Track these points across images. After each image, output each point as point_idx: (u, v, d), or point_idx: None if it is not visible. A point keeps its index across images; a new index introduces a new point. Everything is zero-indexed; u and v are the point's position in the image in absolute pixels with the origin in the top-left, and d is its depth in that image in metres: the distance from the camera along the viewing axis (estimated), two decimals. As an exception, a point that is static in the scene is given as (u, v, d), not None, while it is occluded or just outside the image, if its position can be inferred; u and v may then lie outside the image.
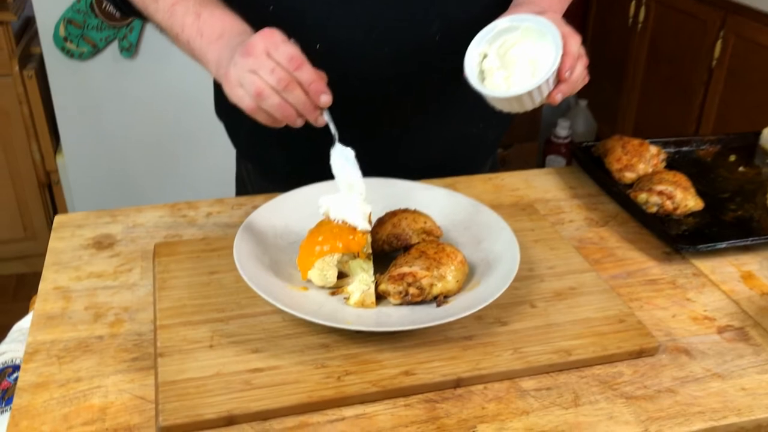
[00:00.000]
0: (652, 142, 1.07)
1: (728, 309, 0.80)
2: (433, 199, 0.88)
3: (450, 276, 0.73)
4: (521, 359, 0.70)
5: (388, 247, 0.78)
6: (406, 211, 0.80)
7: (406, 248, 0.77)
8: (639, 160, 1.02)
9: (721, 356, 0.73)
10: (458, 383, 0.68)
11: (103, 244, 0.87)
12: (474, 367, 0.68)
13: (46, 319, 0.75)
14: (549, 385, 0.69)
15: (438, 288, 0.73)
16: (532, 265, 0.83)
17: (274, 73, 0.72)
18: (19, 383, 0.67)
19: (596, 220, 0.96)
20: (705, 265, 0.87)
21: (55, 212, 2.36)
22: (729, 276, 0.86)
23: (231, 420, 0.63)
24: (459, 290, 0.75)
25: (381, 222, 0.80)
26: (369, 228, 0.74)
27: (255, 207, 0.94)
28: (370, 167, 1.01)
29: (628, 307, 0.78)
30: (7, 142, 2.20)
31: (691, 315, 0.79)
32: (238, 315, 0.73)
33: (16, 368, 0.87)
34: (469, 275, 0.78)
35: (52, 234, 0.89)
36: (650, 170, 1.02)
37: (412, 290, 0.73)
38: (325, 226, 0.75)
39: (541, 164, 2.84)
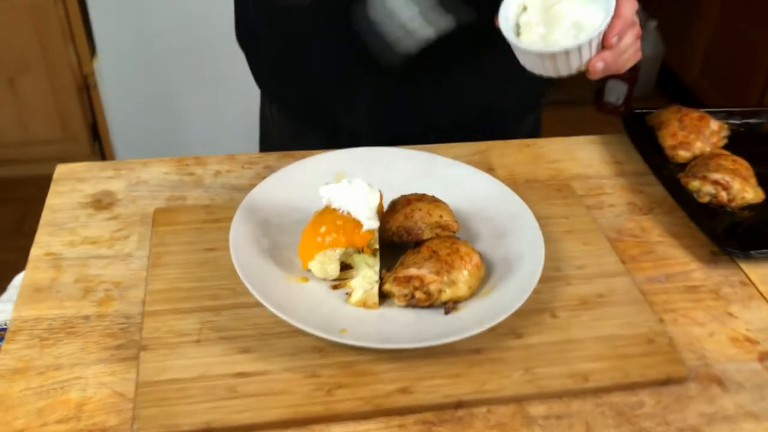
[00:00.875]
0: (714, 113, 0.96)
1: (775, 330, 0.72)
2: (456, 178, 0.80)
3: (462, 282, 0.66)
4: (532, 382, 0.63)
5: (398, 239, 0.71)
6: (422, 199, 0.72)
7: (417, 244, 0.70)
8: (697, 137, 0.91)
9: (759, 390, 0.66)
10: (459, 405, 0.62)
11: (102, 203, 0.82)
12: (479, 389, 0.62)
13: (33, 291, 0.71)
14: (560, 413, 0.62)
15: (447, 294, 0.66)
16: (560, 263, 0.75)
17: None
18: (-4, 368, 0.63)
19: (640, 206, 0.87)
20: (756, 271, 0.78)
21: (94, 116, 2.33)
22: (781, 287, 0.77)
23: (210, 428, 0.59)
24: (472, 296, 0.68)
25: (393, 209, 0.72)
26: (376, 225, 0.67)
27: (267, 167, 0.88)
28: (398, 123, 0.92)
29: (660, 322, 0.70)
30: (45, 41, 2.15)
31: (732, 335, 0.71)
32: (231, 304, 0.68)
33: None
34: (486, 275, 0.71)
35: (52, 186, 0.85)
36: (708, 149, 0.91)
37: (418, 294, 0.66)
38: (329, 214, 0.68)
39: (600, 90, 2.67)
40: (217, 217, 0.78)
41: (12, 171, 2.39)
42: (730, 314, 0.73)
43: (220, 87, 2.20)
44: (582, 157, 0.94)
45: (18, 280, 0.85)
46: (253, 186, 0.83)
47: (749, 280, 0.77)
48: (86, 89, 2.26)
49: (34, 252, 0.76)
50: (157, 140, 2.30)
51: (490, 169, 0.91)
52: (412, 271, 0.66)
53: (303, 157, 0.90)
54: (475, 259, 0.68)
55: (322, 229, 0.67)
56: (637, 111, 0.99)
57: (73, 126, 2.33)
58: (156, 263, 0.73)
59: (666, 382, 0.65)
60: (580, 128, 1.09)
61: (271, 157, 0.90)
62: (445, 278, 0.66)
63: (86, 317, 0.69)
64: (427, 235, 0.70)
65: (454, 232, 0.71)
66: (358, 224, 0.67)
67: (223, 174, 0.87)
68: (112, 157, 2.35)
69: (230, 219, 0.74)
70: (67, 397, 0.61)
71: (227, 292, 0.69)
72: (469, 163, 0.91)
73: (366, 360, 0.64)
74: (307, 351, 0.64)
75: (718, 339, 0.71)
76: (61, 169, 0.87)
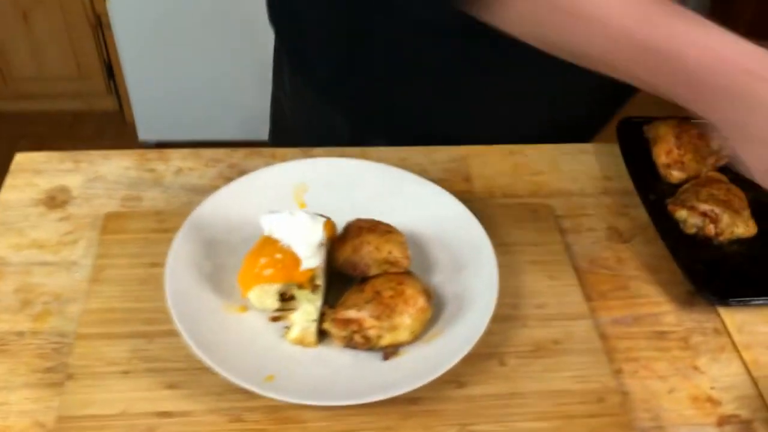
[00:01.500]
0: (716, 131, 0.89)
1: (742, 389, 0.67)
2: (422, 199, 0.76)
3: (403, 327, 0.63)
4: (465, 442, 0.60)
5: (345, 272, 0.67)
6: (374, 230, 0.68)
7: (364, 279, 0.66)
8: (693, 157, 0.84)
9: (710, 461, 0.62)
10: (386, 461, 0.60)
11: (56, 200, 0.80)
12: (407, 446, 0.60)
13: (-28, 300, 0.69)
14: (492, 475, 0.60)
15: (387, 340, 0.63)
16: (519, 301, 0.71)
17: None
18: None
19: (621, 232, 0.81)
20: (734, 318, 0.73)
21: (108, 56, 2.30)
22: (759, 339, 0.72)
23: (124, 476, 0.57)
24: (415, 340, 0.64)
25: (344, 238, 0.68)
26: (315, 264, 0.63)
27: (231, 165, 0.84)
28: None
29: (617, 375, 0.66)
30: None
31: (693, 393, 0.67)
32: (165, 332, 0.65)
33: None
34: (436, 312, 0.67)
35: (8, 177, 0.82)
36: (705, 170, 0.85)
37: (357, 338, 0.63)
38: (269, 245, 0.64)
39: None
40: (167, 226, 0.75)
41: (28, 106, 2.39)
42: (696, 368, 0.69)
43: (235, 32, 2.14)
44: (568, 169, 0.88)
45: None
46: (213, 188, 0.80)
47: (725, 327, 0.72)
48: (100, 28, 2.22)
49: (-22, 255, 0.74)
50: (171, 84, 2.26)
51: (466, 180, 0.85)
52: (352, 313, 0.63)
53: (272, 156, 0.86)
54: (420, 302, 0.64)
55: (262, 261, 0.64)
56: (635, 120, 0.92)
57: (88, 64, 2.30)
58: (97, 278, 0.70)
59: (610, 447, 0.62)
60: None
61: (238, 155, 0.86)
62: (386, 323, 0.62)
63: (20, 333, 0.67)
64: (374, 271, 0.66)
65: (403, 268, 0.67)
66: (298, 260, 0.63)
67: (185, 172, 0.84)
68: (126, 97, 2.32)
69: (180, 228, 0.71)
70: (-13, 426, 0.60)
71: (163, 317, 0.66)
72: (445, 170, 0.86)
73: (294, 406, 0.61)
74: (234, 391, 0.62)
75: (677, 397, 0.66)
76: (19, 159, 0.84)
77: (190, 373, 0.63)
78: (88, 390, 0.62)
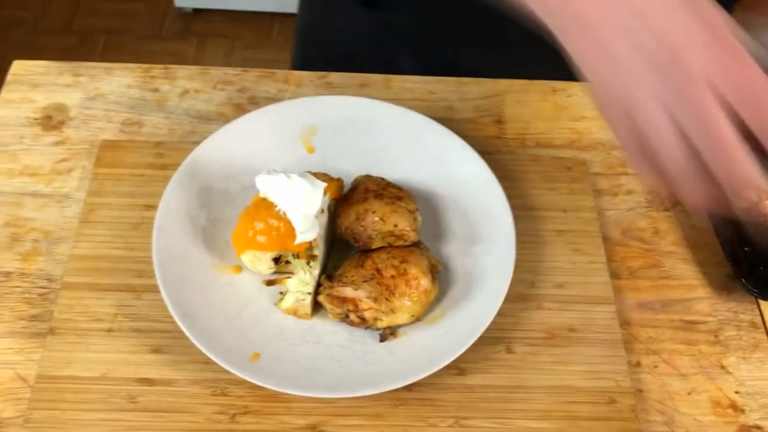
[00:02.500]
0: None
1: (770, 396, 0.62)
2: (443, 153, 0.68)
3: (403, 311, 0.58)
4: (458, 438, 0.57)
5: (347, 240, 0.62)
6: (381, 195, 0.61)
7: (366, 250, 0.61)
8: None
9: (721, 477, 0.58)
10: (373, 450, 0.57)
11: (52, 120, 0.74)
12: (396, 438, 0.56)
13: (-41, 232, 0.66)
14: (484, 473, 0.57)
15: (384, 322, 0.58)
16: (538, 278, 0.65)
17: (713, 150, 0.41)
18: None
19: (663, 198, 0.73)
20: (773, 311, 0.66)
21: None
22: (798, 337, 0.65)
23: (101, 445, 0.56)
24: (415, 321, 0.60)
25: (348, 200, 0.62)
26: (311, 237, 0.58)
27: (242, 90, 0.78)
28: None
29: (632, 372, 0.61)
30: None
31: (715, 396, 0.62)
32: (154, 286, 0.61)
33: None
34: (442, 289, 0.62)
35: (3, 89, 0.77)
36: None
37: (353, 318, 0.58)
38: (265, 209, 0.59)
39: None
40: (165, 161, 0.70)
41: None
42: (723, 367, 0.63)
43: None
44: (614, 116, 0.79)
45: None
46: (220, 115, 0.74)
47: (762, 321, 0.66)
48: None
49: (-30, 179, 0.70)
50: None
51: (498, 122, 0.77)
52: (348, 291, 0.58)
53: (285, 81, 0.78)
54: (424, 284, 0.58)
55: (257, 225, 0.59)
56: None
57: None
58: (87, 218, 0.66)
59: (614, 454, 0.58)
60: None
61: (249, 77, 0.79)
62: (384, 306, 0.57)
63: (7, 274, 0.64)
64: (377, 244, 0.60)
65: (411, 242, 0.61)
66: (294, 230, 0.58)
67: (191, 95, 0.77)
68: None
69: (178, 166, 0.66)
70: (-31, 377, 0.59)
71: (153, 269, 0.63)
72: (476, 108, 0.78)
73: (281, 384, 0.58)
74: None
75: (697, 400, 0.61)
76: (17, 66, 0.79)
77: (176, 337, 0.60)
78: (69, 347, 0.59)
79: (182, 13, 2.19)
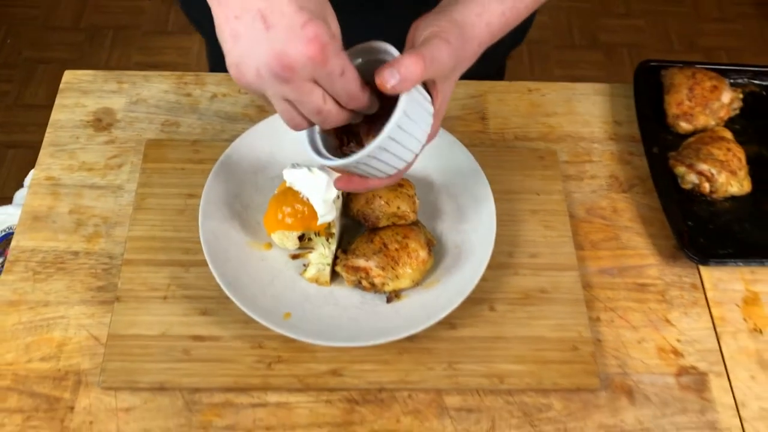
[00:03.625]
0: (739, 72, 0.92)
1: (704, 343, 0.76)
2: (435, 147, 0.81)
3: (405, 276, 0.71)
4: (451, 378, 0.70)
5: (359, 220, 0.75)
6: (386, 182, 0.74)
7: (374, 229, 0.74)
8: (702, 110, 0.88)
9: (663, 407, 0.71)
10: (383, 389, 0.70)
11: (102, 122, 0.87)
12: (401, 379, 0.70)
13: (33, 219, 0.79)
14: (472, 406, 0.70)
15: (390, 287, 0.72)
16: (515, 249, 0.79)
17: (321, 115, 0.55)
18: (-5, 299, 0.74)
19: (621, 182, 0.87)
20: (711, 274, 0.80)
21: None
22: (730, 296, 0.79)
23: (163, 387, 0.69)
24: (416, 286, 0.73)
25: (358, 188, 0.75)
26: (330, 219, 0.71)
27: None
28: None
29: (592, 325, 0.75)
30: None
31: (660, 344, 0.75)
32: (200, 261, 0.75)
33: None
34: (437, 259, 0.75)
35: (57, 98, 0.89)
36: (712, 124, 0.88)
37: (364, 283, 0.72)
38: (291, 195, 0.72)
39: None
40: (201, 157, 0.83)
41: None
42: (668, 321, 0.77)
43: None
44: (581, 111, 0.92)
45: (30, 178, 0.93)
46: (245, 116, 0.87)
47: (701, 283, 0.80)
48: None
49: (36, 174, 0.83)
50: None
51: (482, 118, 0.90)
52: (361, 262, 0.71)
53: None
54: (422, 255, 0.72)
55: (285, 209, 0.72)
56: (653, 63, 0.94)
57: None
58: (140, 206, 0.79)
59: (576, 391, 0.71)
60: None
61: (268, 82, 0.91)
62: (390, 273, 0.71)
63: (75, 253, 0.77)
64: (383, 222, 0.74)
65: (411, 221, 0.74)
66: (316, 212, 0.71)
67: (219, 99, 0.90)
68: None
69: (214, 161, 0.79)
70: (51, 336, 0.72)
71: (198, 247, 0.75)
72: (464, 107, 0.91)
73: (307, 337, 0.71)
74: (257, 321, 0.72)
75: (645, 347, 0.75)
76: (68, 77, 0.91)
77: (220, 302, 0.73)
78: (133, 312, 0.72)
79: (186, 9, 2.30)
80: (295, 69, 0.52)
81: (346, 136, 0.62)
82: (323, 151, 0.61)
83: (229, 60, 0.54)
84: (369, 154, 0.56)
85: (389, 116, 0.56)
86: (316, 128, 0.61)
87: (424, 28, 0.60)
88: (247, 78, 0.54)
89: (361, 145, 0.61)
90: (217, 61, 1.09)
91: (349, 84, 0.54)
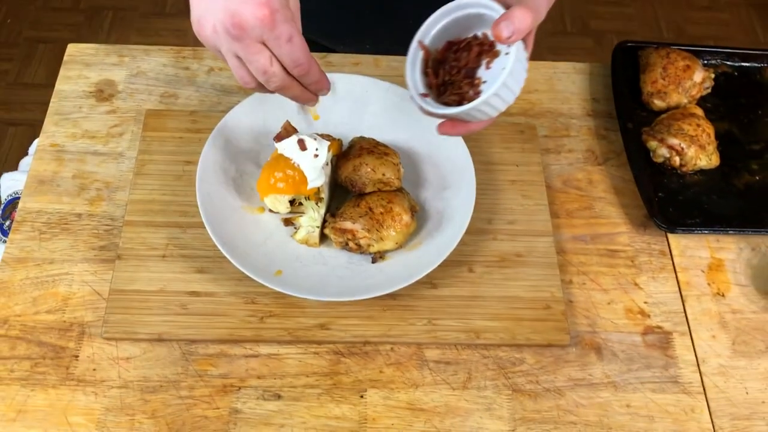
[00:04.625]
0: (712, 53, 0.97)
1: (670, 305, 0.81)
2: (418, 117, 0.85)
3: (389, 239, 0.76)
4: (430, 333, 0.75)
5: (346, 186, 0.80)
6: (372, 152, 0.79)
7: (361, 194, 0.79)
8: (675, 88, 0.92)
9: (629, 363, 0.77)
10: (366, 343, 0.75)
11: (103, 93, 0.92)
12: (384, 333, 0.75)
13: (38, 183, 0.84)
14: (450, 359, 0.75)
15: (375, 248, 0.76)
16: (493, 216, 0.84)
17: (267, 75, 0.62)
18: (3, 256, 0.78)
19: (596, 155, 0.92)
20: (678, 242, 0.85)
21: None
22: (696, 262, 0.84)
23: (161, 339, 0.74)
24: (399, 248, 0.78)
25: (346, 156, 0.80)
26: (319, 183, 0.76)
27: (257, 69, 0.94)
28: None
29: (565, 288, 0.80)
30: None
31: (628, 305, 0.80)
32: (196, 223, 0.80)
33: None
34: (420, 224, 0.80)
35: (62, 69, 0.93)
36: (685, 101, 0.93)
37: (351, 245, 0.77)
38: (283, 161, 0.77)
39: None
40: (199, 126, 0.87)
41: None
42: (636, 284, 0.82)
43: None
44: (561, 89, 0.97)
45: (35, 146, 0.98)
46: (240, 90, 0.92)
47: (669, 250, 0.85)
48: None
49: (42, 141, 0.87)
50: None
51: (467, 94, 0.95)
52: (348, 224, 0.76)
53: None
54: (405, 219, 0.77)
55: (277, 175, 0.76)
56: (631, 44, 0.98)
57: None
58: (140, 171, 0.84)
59: (548, 346, 0.76)
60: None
61: (263, 57, 0.96)
62: (375, 235, 0.76)
63: (78, 215, 0.82)
64: (369, 188, 0.78)
65: (396, 187, 0.79)
66: (306, 178, 0.76)
67: (215, 72, 0.94)
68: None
69: (210, 131, 0.83)
70: (57, 291, 0.77)
71: (194, 210, 0.80)
72: (449, 83, 0.95)
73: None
74: (250, 279, 0.76)
75: (614, 308, 0.80)
76: (71, 50, 0.95)
77: (215, 261, 0.78)
78: (133, 269, 0.77)
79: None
80: (245, 28, 0.59)
81: (443, 87, 0.68)
82: (433, 102, 0.67)
83: (192, 15, 0.62)
84: (485, 101, 0.63)
85: (475, 67, 0.65)
86: (418, 87, 0.68)
87: None
88: (205, 32, 0.61)
89: (460, 94, 0.66)
90: None
91: (295, 50, 0.60)
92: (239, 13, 0.58)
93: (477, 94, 0.65)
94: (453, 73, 0.67)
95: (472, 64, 0.66)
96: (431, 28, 0.67)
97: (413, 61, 0.68)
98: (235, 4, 0.58)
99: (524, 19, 0.60)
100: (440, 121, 0.68)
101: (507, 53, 0.64)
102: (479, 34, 0.67)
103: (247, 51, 0.61)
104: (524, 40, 0.65)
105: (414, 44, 0.67)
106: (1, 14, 2.24)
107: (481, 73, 0.66)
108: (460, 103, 0.65)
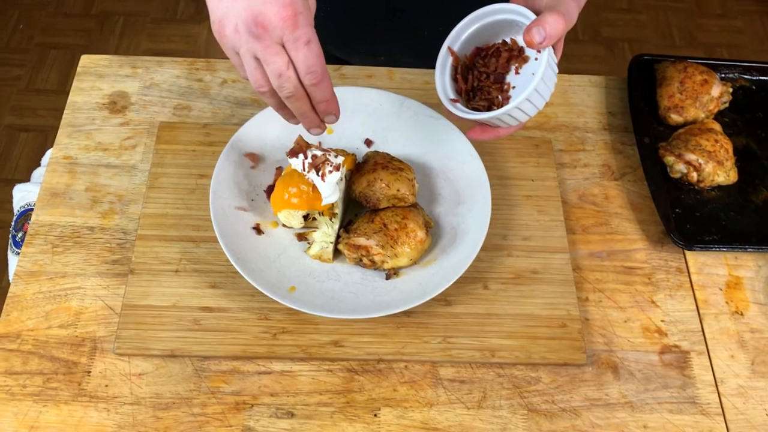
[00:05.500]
0: (729, 67, 0.96)
1: (688, 324, 0.80)
2: (435, 132, 0.85)
3: (403, 255, 0.75)
4: (445, 351, 0.75)
5: (360, 201, 0.79)
6: (387, 167, 0.78)
7: (375, 210, 0.78)
8: (693, 103, 0.91)
9: (646, 382, 0.76)
10: (380, 360, 0.74)
11: (117, 105, 0.91)
12: (398, 351, 0.74)
13: (51, 195, 0.83)
14: (465, 378, 0.74)
15: (389, 264, 0.76)
16: (509, 232, 0.83)
17: (281, 78, 0.62)
18: (17, 269, 0.78)
19: (613, 170, 0.91)
20: (696, 259, 0.84)
21: None
22: (714, 280, 0.83)
23: (174, 355, 0.73)
24: (413, 264, 0.77)
25: (360, 171, 0.79)
26: (334, 200, 0.75)
27: (271, 81, 0.94)
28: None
29: (581, 305, 0.79)
30: None
31: (645, 324, 0.79)
32: (209, 238, 0.79)
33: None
34: (435, 240, 0.79)
35: (75, 80, 0.93)
36: (702, 116, 0.92)
37: (365, 261, 0.76)
38: (297, 177, 0.76)
39: None
40: (212, 139, 0.87)
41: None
42: (653, 302, 0.81)
43: None
44: (577, 102, 0.96)
45: (47, 157, 0.97)
46: (253, 101, 0.91)
47: (686, 267, 0.84)
48: None
49: (54, 153, 0.87)
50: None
51: (481, 107, 0.94)
52: (362, 240, 0.75)
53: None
54: (419, 235, 0.76)
55: (291, 190, 0.76)
56: (647, 57, 0.97)
57: None
58: (153, 185, 0.83)
59: (564, 365, 0.76)
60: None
61: (277, 69, 0.95)
62: (389, 252, 0.75)
63: (91, 228, 0.82)
64: (383, 204, 0.78)
65: (410, 203, 0.78)
66: (320, 193, 0.75)
67: (229, 84, 0.94)
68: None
69: (224, 143, 0.83)
70: (69, 305, 0.76)
71: (208, 224, 0.80)
72: (463, 96, 0.94)
73: (310, 311, 0.76)
74: (263, 294, 0.76)
75: (631, 327, 0.79)
76: (84, 61, 0.95)
77: (228, 276, 0.77)
78: (146, 284, 0.76)
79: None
80: (267, 28, 0.59)
81: (472, 93, 0.69)
82: (463, 108, 0.67)
83: (213, 17, 0.62)
84: (517, 106, 0.63)
85: (504, 72, 0.66)
86: (448, 92, 0.68)
87: None
88: (226, 32, 0.61)
89: (489, 99, 0.67)
90: None
91: (311, 55, 0.61)
92: (263, 13, 0.59)
93: (506, 99, 0.66)
94: (482, 79, 0.68)
95: (501, 69, 0.67)
96: (461, 34, 0.68)
97: (443, 66, 0.68)
98: (259, 4, 0.59)
99: (556, 25, 0.61)
100: (469, 125, 0.70)
101: (536, 59, 0.65)
102: (508, 39, 0.67)
103: (266, 51, 0.61)
104: (554, 45, 0.64)
105: (443, 50, 0.68)
106: (14, 20, 2.25)
107: (510, 78, 0.67)
108: (489, 109, 0.66)
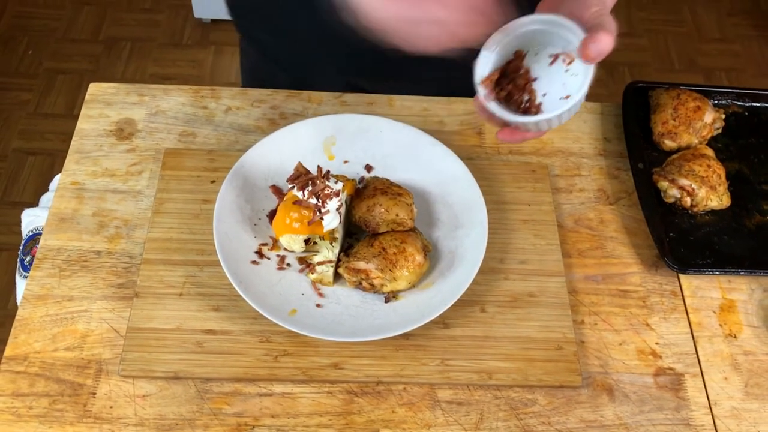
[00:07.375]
0: (721, 93, 0.97)
1: (682, 347, 0.81)
2: (432, 159, 0.87)
3: (402, 279, 0.77)
4: (443, 373, 0.76)
5: (360, 225, 0.81)
6: (386, 192, 0.80)
7: (374, 234, 0.80)
8: (686, 129, 0.93)
9: (641, 404, 0.77)
10: (380, 382, 0.76)
11: (123, 132, 0.94)
12: (397, 373, 0.76)
13: (59, 220, 0.86)
14: (462, 400, 0.76)
15: (388, 288, 0.77)
16: (505, 256, 0.84)
17: None
18: (24, 293, 0.80)
19: (608, 195, 0.92)
20: (690, 282, 0.86)
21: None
22: (708, 303, 0.84)
23: (177, 377, 0.75)
24: (412, 287, 0.79)
25: (360, 196, 0.81)
26: (335, 225, 0.77)
27: (273, 107, 0.97)
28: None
29: (577, 328, 0.81)
30: None
31: (640, 347, 0.81)
32: (213, 262, 0.81)
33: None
34: (433, 263, 0.81)
35: (84, 107, 0.96)
36: (695, 142, 0.94)
37: (364, 284, 0.78)
38: (299, 203, 0.78)
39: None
40: (216, 165, 0.89)
41: (90, -28, 2.46)
42: (648, 325, 0.82)
43: None
44: (572, 128, 0.98)
45: (56, 182, 1.00)
46: (257, 128, 0.93)
47: (681, 290, 0.85)
48: None
49: (62, 179, 0.89)
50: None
51: (479, 133, 0.96)
52: (361, 264, 0.77)
53: (308, 99, 0.97)
54: (418, 259, 0.78)
55: (293, 215, 0.78)
56: (641, 84, 1.00)
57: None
58: (158, 210, 0.85)
59: (560, 387, 0.77)
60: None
61: (279, 96, 0.98)
62: (388, 275, 0.77)
63: (98, 253, 0.84)
64: (383, 228, 0.79)
65: (409, 228, 0.80)
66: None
67: (233, 112, 0.96)
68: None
69: (228, 169, 0.85)
70: (75, 328, 0.78)
71: (211, 248, 0.81)
72: (461, 123, 0.97)
73: (311, 333, 0.77)
74: (265, 317, 0.77)
75: (625, 349, 0.81)
76: (93, 89, 0.98)
77: (231, 299, 0.79)
78: (151, 307, 0.78)
79: (201, 23, 2.38)
80: None
81: (508, 95, 0.70)
82: (500, 108, 0.68)
83: None
84: (558, 116, 0.66)
85: (528, 79, 0.69)
86: (486, 92, 0.69)
87: (584, 5, 0.67)
88: None
89: (518, 102, 0.70)
90: (252, 75, 1.15)
91: None
92: None
93: (536, 105, 0.68)
94: (517, 82, 0.69)
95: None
96: (507, 36, 0.67)
97: (484, 65, 0.68)
98: None
99: (609, 43, 0.64)
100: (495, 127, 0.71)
101: (573, 72, 0.68)
102: (556, 51, 0.69)
103: None
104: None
105: (485, 50, 0.67)
106: (23, 46, 2.29)
107: (537, 85, 0.69)
108: (520, 111, 0.68)
